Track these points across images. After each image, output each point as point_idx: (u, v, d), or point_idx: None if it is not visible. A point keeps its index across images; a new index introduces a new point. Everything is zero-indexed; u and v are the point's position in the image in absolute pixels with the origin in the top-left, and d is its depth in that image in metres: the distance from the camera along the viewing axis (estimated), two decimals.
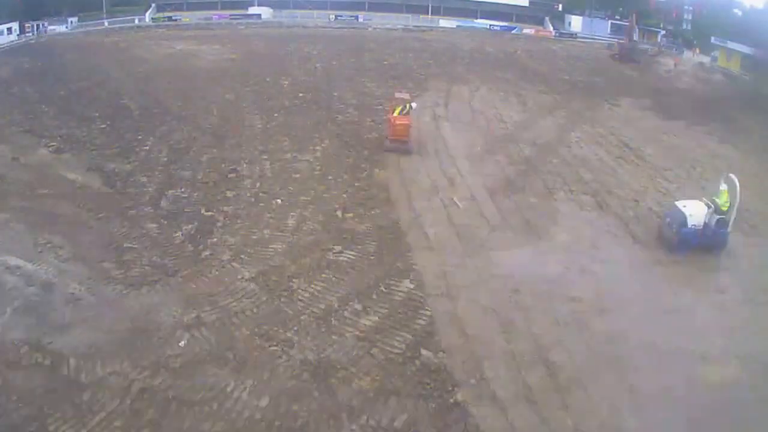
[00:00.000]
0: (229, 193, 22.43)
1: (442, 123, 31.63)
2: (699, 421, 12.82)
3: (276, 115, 31.51)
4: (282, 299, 16.20)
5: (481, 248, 19.29)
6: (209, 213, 20.97)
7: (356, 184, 23.69)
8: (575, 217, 22.14)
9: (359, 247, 18.96)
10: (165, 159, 25.29)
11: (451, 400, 13.09)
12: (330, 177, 24.22)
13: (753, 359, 14.73)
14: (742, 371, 14.41)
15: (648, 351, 14.82)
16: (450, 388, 13.42)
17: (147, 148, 26.35)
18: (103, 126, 28.77)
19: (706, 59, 55.54)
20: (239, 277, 17.17)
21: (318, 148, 27.21)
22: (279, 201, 21.93)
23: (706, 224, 19.49)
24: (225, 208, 21.29)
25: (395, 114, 26.85)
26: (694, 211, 19.57)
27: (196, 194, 22.34)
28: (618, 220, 22.04)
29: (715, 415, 12.98)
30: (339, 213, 21.09)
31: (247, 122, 30.28)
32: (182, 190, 22.62)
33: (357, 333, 14.95)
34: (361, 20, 66.22)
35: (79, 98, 32.89)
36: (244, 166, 24.93)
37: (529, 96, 37.94)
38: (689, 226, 19.41)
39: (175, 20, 62.30)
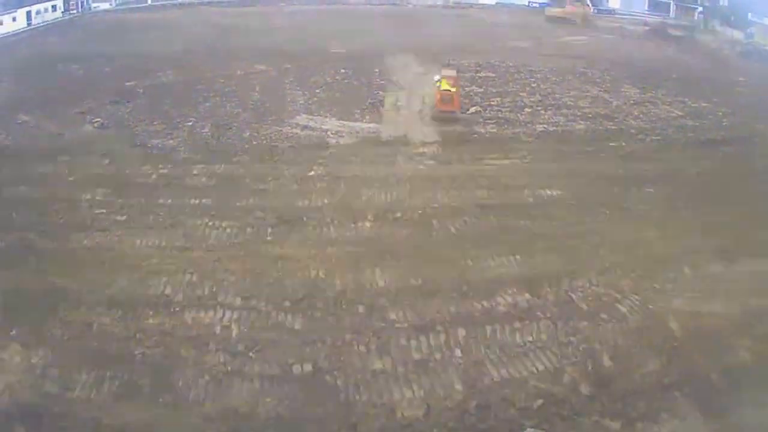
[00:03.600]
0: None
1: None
2: None
3: (318, 90, 31.16)
4: None
5: None
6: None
7: None
8: None
9: None
10: (208, 134, 25.27)
11: None
12: None
13: None
14: None
15: None
16: None
17: (190, 124, 26.36)
18: (146, 102, 28.98)
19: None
20: None
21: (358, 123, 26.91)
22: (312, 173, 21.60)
23: None
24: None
25: (442, 86, 26.92)
26: None
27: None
28: None
29: None
30: None
31: (289, 98, 30.03)
32: None
33: None
34: None
35: (123, 74, 33.13)
36: (284, 141, 24.74)
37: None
38: None
39: None
